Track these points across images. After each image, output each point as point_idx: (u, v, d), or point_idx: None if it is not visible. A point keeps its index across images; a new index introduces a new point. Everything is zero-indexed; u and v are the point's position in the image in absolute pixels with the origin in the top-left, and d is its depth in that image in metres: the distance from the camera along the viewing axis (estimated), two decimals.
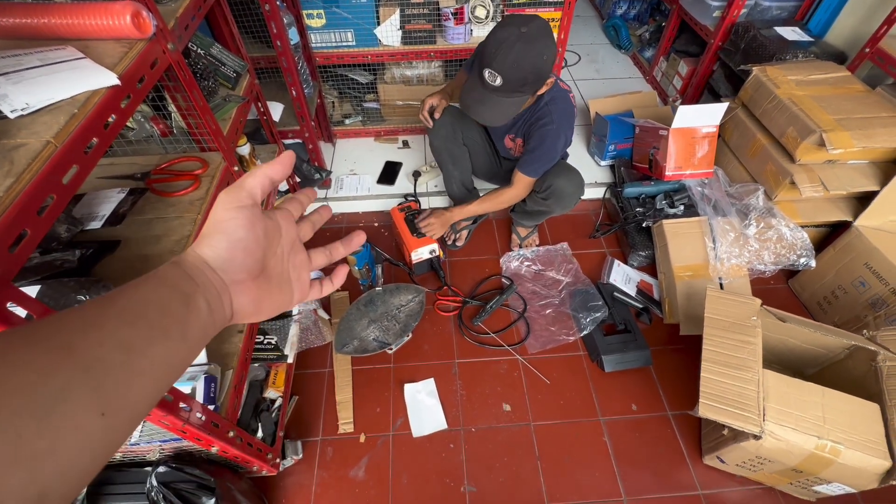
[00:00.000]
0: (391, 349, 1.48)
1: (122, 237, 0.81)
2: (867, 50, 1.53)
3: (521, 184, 1.46)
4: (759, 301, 1.27)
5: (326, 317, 1.57)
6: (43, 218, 0.51)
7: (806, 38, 1.76)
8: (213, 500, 0.89)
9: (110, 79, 0.63)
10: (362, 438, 1.34)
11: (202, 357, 0.92)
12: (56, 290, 0.61)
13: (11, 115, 0.56)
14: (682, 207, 1.69)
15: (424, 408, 1.40)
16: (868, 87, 1.51)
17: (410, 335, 1.51)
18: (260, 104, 1.48)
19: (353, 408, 1.40)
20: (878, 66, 1.51)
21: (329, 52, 1.82)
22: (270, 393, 1.23)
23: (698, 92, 2.17)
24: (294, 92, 1.60)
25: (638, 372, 1.49)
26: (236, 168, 1.02)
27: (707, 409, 1.11)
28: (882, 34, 1.49)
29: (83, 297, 0.62)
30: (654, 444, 1.35)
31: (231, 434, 0.91)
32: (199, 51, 1.21)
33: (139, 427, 0.85)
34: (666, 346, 1.56)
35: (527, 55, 1.12)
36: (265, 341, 1.27)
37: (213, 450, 0.89)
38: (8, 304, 0.46)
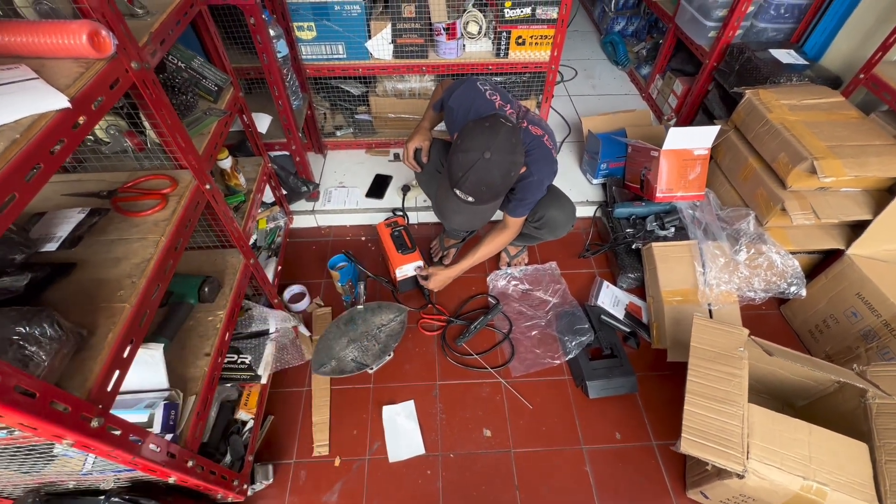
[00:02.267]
0: (371, 369, 1.45)
1: (78, 259, 0.78)
2: (862, 76, 1.51)
3: (514, 226, 1.44)
4: (746, 331, 1.23)
5: (307, 333, 1.54)
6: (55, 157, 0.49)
7: (801, 61, 1.74)
8: None
9: (60, 101, 0.60)
10: (337, 462, 1.31)
11: (163, 382, 0.89)
12: None
13: None
14: (672, 230, 1.67)
15: (402, 431, 1.36)
16: (862, 114, 1.49)
17: (391, 355, 1.48)
18: (245, 116, 1.46)
19: (329, 429, 1.37)
20: (872, 92, 1.49)
21: (320, 65, 1.81)
22: (242, 415, 1.20)
23: (693, 111, 2.15)
24: (280, 104, 1.58)
25: (623, 399, 1.45)
26: (208, 186, 0.99)
27: (689, 444, 1.07)
28: (877, 60, 1.47)
29: (23, 329, 0.59)
30: (636, 475, 1.31)
31: (190, 464, 0.88)
32: (179, 64, 1.19)
33: (91, 458, 0.82)
34: (653, 371, 1.52)
35: (493, 177, 1.12)
36: (238, 360, 1.24)
37: (171, 480, 0.86)
38: None
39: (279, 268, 1.67)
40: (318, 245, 1.90)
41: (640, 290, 1.73)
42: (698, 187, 1.66)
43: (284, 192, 1.80)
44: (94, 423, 0.64)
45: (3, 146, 0.54)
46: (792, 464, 1.03)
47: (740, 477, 1.04)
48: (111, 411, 0.67)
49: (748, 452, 1.04)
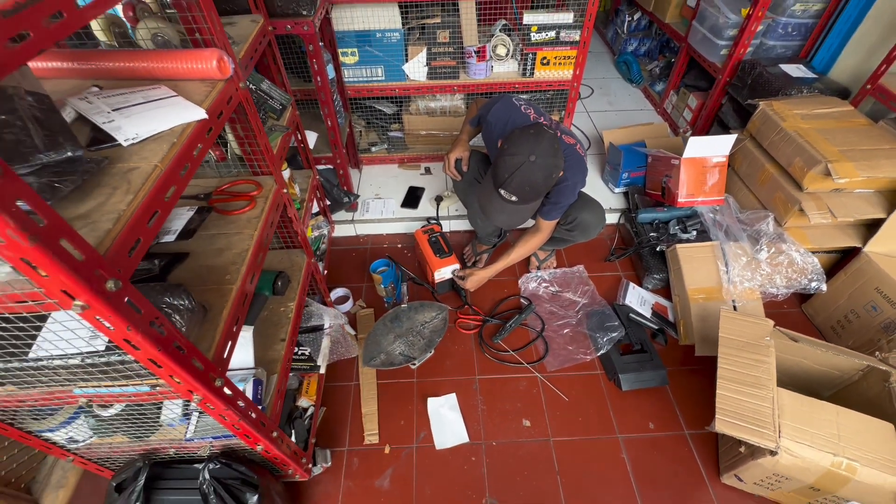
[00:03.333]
0: (415, 364, 1.55)
1: (189, 250, 0.91)
2: (869, 86, 1.62)
3: (547, 228, 1.56)
4: (771, 322, 1.32)
5: (352, 332, 1.65)
6: (151, 228, 0.61)
7: (810, 74, 1.86)
8: (255, 497, 0.95)
9: (200, 113, 0.74)
10: (387, 450, 1.40)
11: (250, 360, 1.01)
12: (146, 292, 0.70)
13: (125, 144, 0.67)
14: (694, 233, 1.76)
15: (447, 421, 1.45)
16: (871, 121, 1.60)
17: (433, 351, 1.58)
18: (299, 134, 1.61)
19: (378, 420, 1.46)
20: (879, 101, 1.60)
21: (360, 86, 1.97)
22: (303, 402, 1.30)
23: (708, 124, 2.27)
24: (329, 122, 1.73)
25: (654, 391, 1.53)
26: (286, 190, 1.13)
27: (723, 424, 1.15)
28: (882, 72, 1.58)
29: (168, 300, 0.71)
30: (671, 462, 1.38)
31: (275, 434, 0.98)
32: (251, 86, 1.35)
33: (193, 423, 0.93)
34: (682, 366, 1.60)
35: (537, 178, 1.24)
36: (299, 352, 1.35)
37: (258, 448, 0.96)
38: (126, 299, 0.56)
39: (325, 272, 1.79)
40: (358, 252, 2.02)
41: (664, 291, 1.82)
42: (718, 192, 1.76)
43: (328, 202, 1.93)
44: (217, 383, 0.76)
45: (166, 147, 0.67)
46: (822, 441, 1.10)
47: (773, 454, 1.11)
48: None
49: (780, 431, 1.12)
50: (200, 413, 0.95)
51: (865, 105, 1.71)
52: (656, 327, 1.67)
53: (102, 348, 0.65)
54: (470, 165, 1.60)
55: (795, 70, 1.88)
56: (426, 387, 1.54)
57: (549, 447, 1.40)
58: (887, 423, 1.14)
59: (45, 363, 0.65)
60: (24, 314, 0.57)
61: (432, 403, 1.49)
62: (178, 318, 0.71)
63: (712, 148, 1.70)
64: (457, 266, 1.72)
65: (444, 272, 1.71)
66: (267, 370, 1.04)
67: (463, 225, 2.09)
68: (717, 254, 1.64)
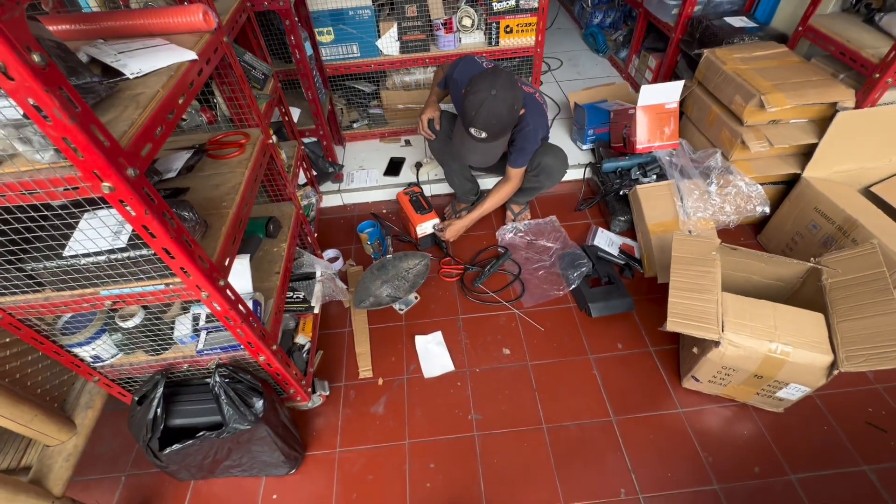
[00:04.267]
0: (403, 310, 1.69)
1: (189, 185, 1.05)
2: (800, 28, 1.77)
3: (516, 176, 1.71)
4: (718, 240, 1.47)
5: (342, 286, 1.79)
6: (158, 138, 0.75)
7: (752, 24, 2.01)
8: (261, 401, 1.09)
9: (191, 55, 0.88)
10: (380, 382, 1.54)
11: (248, 285, 1.15)
12: None
13: (131, 77, 0.81)
14: (654, 176, 1.91)
15: (434, 355, 1.59)
16: (804, 59, 1.75)
17: (418, 296, 1.72)
18: (283, 106, 1.74)
19: (371, 358, 1.60)
20: (811, 41, 1.75)
21: (337, 64, 2.11)
22: (300, 339, 1.44)
23: (667, 81, 2.42)
24: (310, 95, 1.87)
25: (622, 317, 1.67)
26: (271, 140, 1.27)
27: (674, 324, 1.29)
28: (811, 13, 1.73)
29: (175, 210, 0.85)
30: (638, 375, 1.52)
31: (275, 347, 1.12)
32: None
33: (203, 338, 1.07)
34: (647, 295, 1.75)
35: (500, 110, 1.39)
36: (294, 296, 1.48)
37: (261, 359, 1.10)
38: (143, 188, 0.70)
39: (315, 235, 1.93)
40: (345, 219, 2.16)
41: (630, 233, 1.97)
42: (673, 137, 1.91)
43: (315, 173, 2.07)
44: (221, 283, 0.90)
45: (166, 78, 0.81)
46: (760, 332, 1.25)
47: (717, 345, 1.26)
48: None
49: (723, 326, 1.26)
50: (208, 331, 1.08)
51: (801, 48, 1.86)
52: (622, 262, 1.82)
53: (124, 244, 0.79)
54: (442, 125, 1.74)
55: (739, 21, 2.03)
56: (414, 328, 1.68)
57: (527, 370, 1.55)
58: (817, 314, 1.29)
59: (77, 263, 0.79)
60: (65, 201, 0.71)
61: (420, 340, 1.63)
62: (184, 225, 0.84)
63: (664, 94, 1.84)
64: (437, 221, 1.86)
65: (425, 227, 1.85)
66: (265, 296, 1.18)
67: (443, 188, 2.23)
68: (673, 191, 1.79)
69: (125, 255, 0.79)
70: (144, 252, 0.80)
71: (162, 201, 0.74)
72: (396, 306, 1.72)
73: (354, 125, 2.46)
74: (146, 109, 0.74)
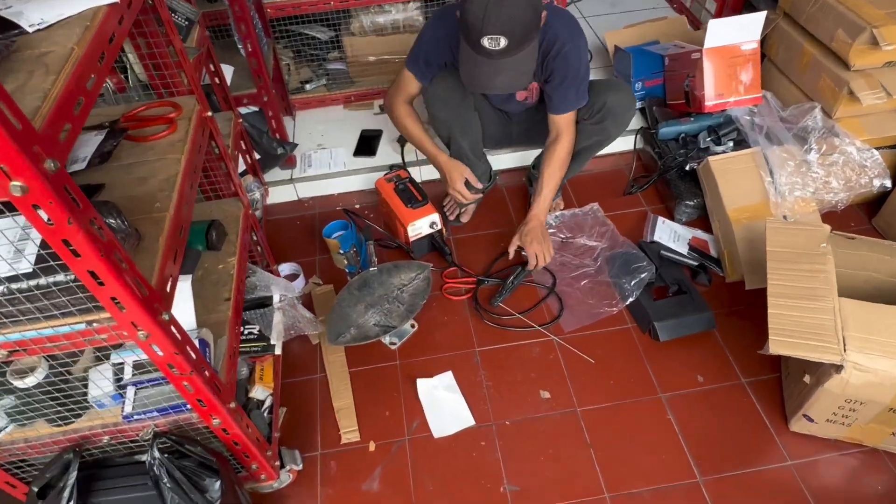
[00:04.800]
0: (395, 343, 1.70)
1: (104, 181, 1.04)
2: None
3: (568, 126, 1.75)
4: (827, 227, 1.52)
5: (309, 315, 1.78)
6: (77, 116, 0.75)
7: None
8: (217, 482, 1.08)
9: None
10: (372, 447, 1.54)
11: (191, 319, 1.14)
12: None
13: (30, 30, 0.80)
14: (730, 143, 1.97)
15: (445, 404, 1.60)
16: None
17: (415, 325, 1.73)
18: (212, 64, 1.74)
19: (355, 414, 1.60)
20: None
21: (283, 2, 2.12)
22: (258, 392, 1.43)
23: (739, 13, 2.50)
24: (249, 46, 1.87)
25: (700, 338, 1.72)
26: (209, 113, 1.26)
27: (778, 344, 1.34)
28: None
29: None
30: (728, 416, 1.56)
31: (232, 405, 1.12)
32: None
33: (131, 395, 1.06)
34: (731, 307, 1.80)
35: (517, 6, 1.41)
36: (246, 331, 1.48)
37: (214, 423, 1.09)
38: (64, 186, 0.70)
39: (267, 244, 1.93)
40: (304, 220, 2.16)
41: (702, 222, 2.02)
42: (754, 89, 1.98)
43: (258, 156, 2.07)
44: (165, 317, 0.89)
45: (80, 31, 0.81)
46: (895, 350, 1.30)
47: (839, 370, 1.30)
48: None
49: (845, 344, 1.31)
50: (139, 386, 1.08)
51: None
52: (696, 264, 1.86)
53: (30, 268, 0.78)
54: (446, 82, 1.74)
55: None
56: (413, 368, 1.69)
57: (575, 418, 1.57)
58: None
59: None
60: None
61: (423, 386, 1.64)
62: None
63: (739, 31, 1.91)
64: (435, 216, 1.88)
65: (419, 226, 1.87)
66: (214, 334, 1.17)
67: (435, 171, 2.25)
68: (758, 162, 1.85)
69: (32, 283, 0.78)
70: (60, 278, 0.79)
71: (88, 205, 0.74)
72: (387, 339, 1.73)
73: (307, 87, 2.46)
74: (60, 75, 0.74)
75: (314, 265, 1.99)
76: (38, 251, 0.81)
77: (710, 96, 1.97)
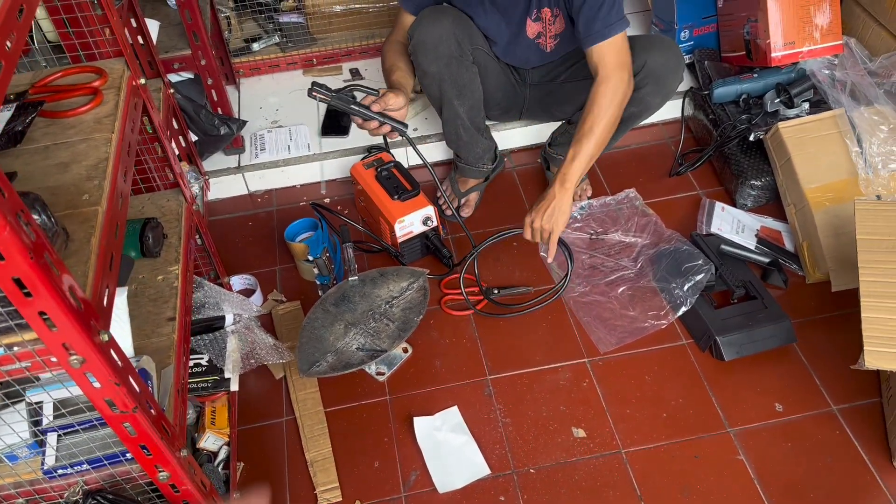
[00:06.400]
0: (383, 375, 1.75)
1: (15, 168, 1.08)
2: None
3: (616, 63, 1.71)
4: None
5: (271, 340, 1.82)
6: None
7: None
8: None
9: None
10: None
11: (128, 346, 1.18)
12: None
13: None
14: (805, 105, 2.04)
15: (450, 450, 1.65)
16: None
17: (409, 349, 1.78)
18: (133, 17, 1.79)
19: (335, 467, 1.64)
20: None
21: None
22: (209, 440, 1.47)
23: None
24: None
25: (776, 355, 1.78)
26: (143, 81, 1.31)
27: (876, 357, 1.40)
28: None
29: None
30: (817, 454, 1.61)
31: (183, 453, 1.15)
32: None
33: (53, 444, 1.10)
34: (815, 315, 1.86)
35: None
36: (191, 364, 1.52)
37: (161, 476, 1.13)
38: None
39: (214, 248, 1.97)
40: (257, 220, 2.21)
41: (773, 207, 2.09)
42: (833, 35, 2.05)
43: (194, 138, 2.11)
44: (104, 337, 0.93)
45: None
46: None
47: None
48: None
49: None
50: (62, 432, 1.11)
51: None
52: (767, 261, 1.93)
53: None
54: (441, 25, 1.80)
55: None
56: (408, 403, 1.74)
57: (620, 462, 1.62)
58: None
59: None
60: None
61: (422, 426, 1.68)
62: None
63: None
64: (429, 210, 1.93)
65: (410, 223, 1.92)
66: (157, 362, 1.21)
67: (429, 153, 2.30)
68: (842, 128, 1.92)
69: None
70: None
71: (14, 194, 0.78)
72: (373, 368, 1.77)
73: (254, 46, 2.52)
74: None
75: (273, 277, 2.03)
76: None
77: (778, 45, 2.04)
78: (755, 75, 2.12)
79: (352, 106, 1.68)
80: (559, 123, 2.16)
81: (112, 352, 0.97)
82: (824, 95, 2.02)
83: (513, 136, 2.35)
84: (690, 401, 1.71)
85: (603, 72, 1.71)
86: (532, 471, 1.62)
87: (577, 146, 1.74)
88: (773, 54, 2.04)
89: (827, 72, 2.03)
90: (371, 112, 1.69)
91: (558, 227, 1.78)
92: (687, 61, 2.41)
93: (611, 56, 1.71)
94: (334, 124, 2.33)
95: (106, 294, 1.00)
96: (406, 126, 1.74)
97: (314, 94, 1.68)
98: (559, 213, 1.76)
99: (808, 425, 1.66)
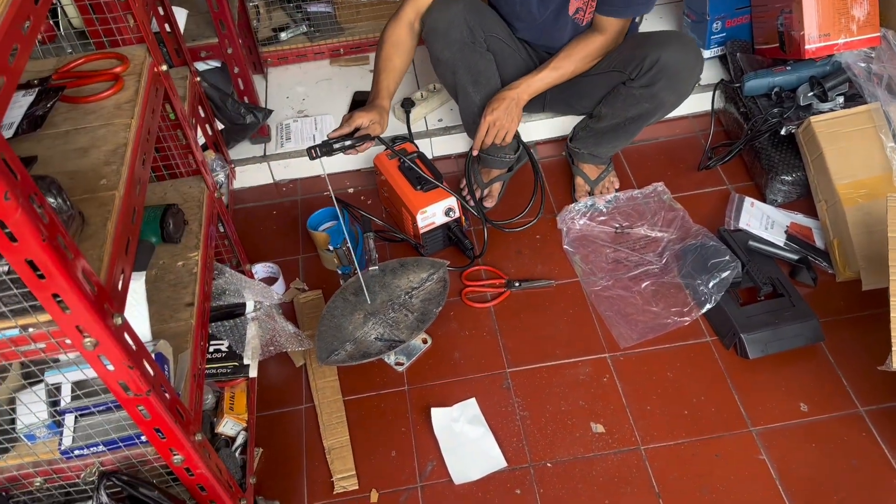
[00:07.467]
0: (403, 365, 1.75)
1: (36, 153, 1.10)
2: None
3: (612, 29, 1.81)
4: None
5: (291, 328, 1.84)
6: (13, 67, 0.81)
7: None
8: None
9: None
10: (374, 497, 1.59)
11: (145, 331, 1.20)
12: None
13: None
14: (840, 98, 2.00)
15: (467, 441, 1.65)
16: None
17: (429, 340, 1.78)
18: (161, 6, 1.81)
19: (353, 455, 1.65)
20: None
21: None
22: (227, 425, 1.49)
23: None
24: None
25: (802, 354, 1.75)
26: (164, 67, 1.32)
27: None
28: None
29: None
30: (842, 456, 1.59)
31: (198, 437, 1.17)
32: None
33: (71, 423, 1.12)
34: (844, 314, 1.82)
35: None
36: (211, 348, 1.54)
37: (175, 459, 1.14)
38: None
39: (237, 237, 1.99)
40: (281, 209, 2.23)
41: (804, 203, 2.05)
42: (870, 27, 2.00)
43: (220, 126, 2.13)
44: (118, 321, 0.95)
45: None
46: None
47: None
48: None
49: None
50: (80, 413, 1.13)
51: None
52: (796, 258, 1.89)
53: None
54: (453, 9, 1.82)
55: None
56: (426, 394, 1.74)
57: (639, 459, 1.61)
58: None
59: None
60: None
61: (440, 417, 1.69)
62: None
63: None
64: (451, 201, 1.93)
65: (431, 213, 1.92)
66: (174, 347, 1.23)
67: (452, 144, 2.31)
68: (877, 122, 1.88)
69: None
70: None
71: (28, 177, 0.79)
72: (392, 358, 1.78)
73: (283, 35, 2.53)
74: None
75: (296, 266, 2.04)
76: None
77: (813, 37, 2.00)
78: (788, 68, 2.08)
79: (335, 147, 1.78)
80: (581, 118, 2.14)
81: (126, 335, 0.98)
82: (860, 89, 1.98)
83: (538, 128, 2.33)
84: (712, 399, 1.69)
85: (602, 33, 1.85)
86: (549, 465, 1.61)
87: (548, 66, 1.92)
88: (807, 46, 2.01)
89: (863, 65, 1.99)
90: (347, 143, 1.79)
91: (515, 123, 1.95)
92: (719, 53, 2.38)
93: (615, 28, 1.84)
94: None
95: (121, 278, 1.01)
96: (375, 137, 1.87)
97: (313, 156, 1.79)
98: (517, 108, 1.93)
99: (833, 426, 1.63)
